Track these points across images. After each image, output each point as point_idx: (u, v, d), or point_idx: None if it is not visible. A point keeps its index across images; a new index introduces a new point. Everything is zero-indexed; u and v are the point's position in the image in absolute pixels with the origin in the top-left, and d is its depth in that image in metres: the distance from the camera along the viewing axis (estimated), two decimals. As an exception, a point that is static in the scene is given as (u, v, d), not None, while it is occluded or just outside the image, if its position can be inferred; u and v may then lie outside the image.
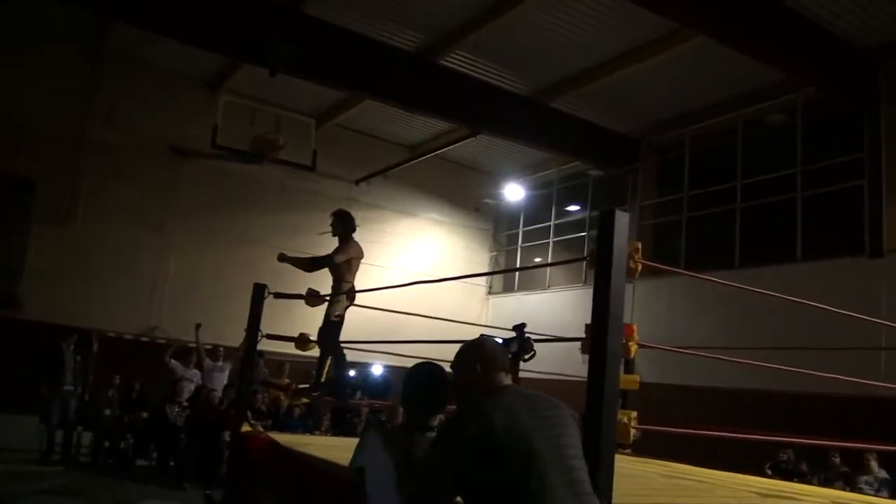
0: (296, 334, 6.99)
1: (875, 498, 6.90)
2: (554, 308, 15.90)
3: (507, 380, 2.62)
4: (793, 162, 12.50)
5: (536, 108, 14.23)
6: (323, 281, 7.36)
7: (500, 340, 3.51)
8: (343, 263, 6.97)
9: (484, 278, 18.62)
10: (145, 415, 9.97)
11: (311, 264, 7.15)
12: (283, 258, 7.04)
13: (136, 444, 9.82)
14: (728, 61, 11.36)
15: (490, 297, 18.81)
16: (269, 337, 6.61)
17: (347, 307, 7.04)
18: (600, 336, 2.89)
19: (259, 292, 6.58)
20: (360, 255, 7.15)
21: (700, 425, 4.67)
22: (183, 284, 14.80)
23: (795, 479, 8.72)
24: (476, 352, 2.67)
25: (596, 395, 2.85)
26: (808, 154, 12.39)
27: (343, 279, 7.01)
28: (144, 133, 14.58)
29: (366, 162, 17.01)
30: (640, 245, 3.34)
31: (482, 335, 3.42)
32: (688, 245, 14.33)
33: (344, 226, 7.13)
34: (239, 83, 14.63)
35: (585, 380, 2.92)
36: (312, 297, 6.90)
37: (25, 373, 9.98)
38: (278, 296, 6.66)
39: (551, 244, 17.71)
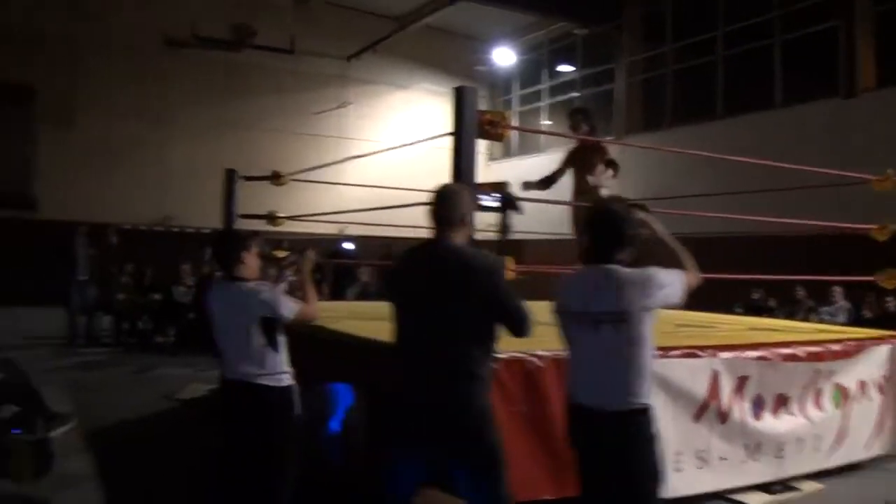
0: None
1: (790, 322, 7.38)
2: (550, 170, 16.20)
3: None
4: (770, 6, 12.47)
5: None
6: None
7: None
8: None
9: (484, 145, 18.91)
10: (157, 297, 10.81)
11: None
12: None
13: (154, 324, 10.71)
14: None
15: (491, 163, 19.14)
16: (244, 217, 7.21)
17: None
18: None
19: (230, 177, 7.16)
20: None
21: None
22: (188, 173, 15.36)
23: (764, 315, 9.31)
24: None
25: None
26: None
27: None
28: (134, 28, 14.86)
29: (354, 38, 17.12)
30: (506, 113, 3.83)
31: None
32: (674, 97, 14.50)
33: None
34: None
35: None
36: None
37: (46, 268, 10.76)
38: (249, 179, 7.22)
39: (545, 106, 17.91)
